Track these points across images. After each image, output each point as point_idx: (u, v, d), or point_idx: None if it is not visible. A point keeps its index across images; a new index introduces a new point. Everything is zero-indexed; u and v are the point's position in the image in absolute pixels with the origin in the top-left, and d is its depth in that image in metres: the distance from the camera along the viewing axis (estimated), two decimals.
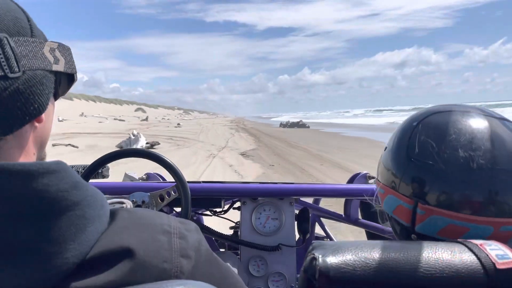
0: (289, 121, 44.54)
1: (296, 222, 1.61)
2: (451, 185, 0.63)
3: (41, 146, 0.59)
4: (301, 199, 1.74)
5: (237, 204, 1.65)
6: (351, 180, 1.84)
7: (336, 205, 2.68)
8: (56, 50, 0.57)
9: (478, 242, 0.56)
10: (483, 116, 0.68)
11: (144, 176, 1.85)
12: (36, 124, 0.55)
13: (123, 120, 50.19)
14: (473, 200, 0.62)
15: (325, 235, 2.01)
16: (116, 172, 1.97)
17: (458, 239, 0.58)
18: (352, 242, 0.58)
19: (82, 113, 55.31)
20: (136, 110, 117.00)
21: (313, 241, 0.59)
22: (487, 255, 0.53)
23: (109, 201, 1.08)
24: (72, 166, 1.58)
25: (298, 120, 43.62)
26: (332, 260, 0.55)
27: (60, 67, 0.57)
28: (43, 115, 0.55)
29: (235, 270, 1.47)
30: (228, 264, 1.43)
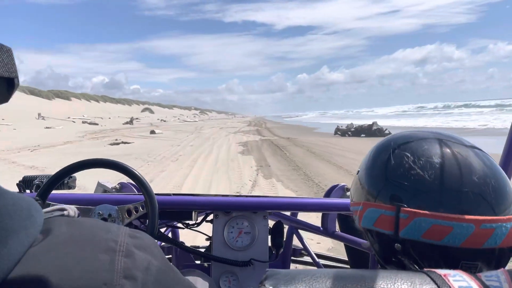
0: (352, 123, 23.04)
1: (270, 236, 1.55)
2: (425, 202, 0.67)
3: None
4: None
5: (211, 217, 1.58)
6: (328, 193, 1.76)
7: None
8: None
9: (442, 272, 0.54)
10: (455, 144, 0.73)
11: (117, 186, 1.74)
12: None
13: (96, 124, 37.63)
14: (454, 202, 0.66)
15: (302, 247, 1.88)
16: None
17: (424, 269, 0.57)
18: (308, 271, 0.56)
19: (39, 114, 44.37)
20: (143, 111, 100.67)
21: (267, 270, 0.57)
22: (450, 287, 0.51)
23: (47, 209, 0.86)
24: (36, 177, 1.50)
25: (370, 123, 21.41)
26: None
27: None
28: None
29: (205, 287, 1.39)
30: (194, 280, 1.34)
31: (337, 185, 1.75)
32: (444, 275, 0.52)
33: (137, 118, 53.29)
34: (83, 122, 39.45)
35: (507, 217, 0.65)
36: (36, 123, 35.47)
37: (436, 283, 0.50)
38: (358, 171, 0.80)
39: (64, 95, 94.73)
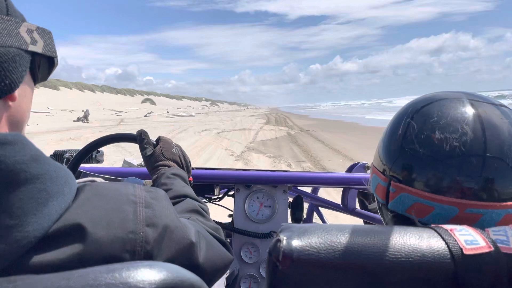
0: None
1: (289, 210, 1.62)
2: (422, 167, 0.66)
3: (16, 127, 0.56)
4: (299, 188, 1.74)
5: (232, 192, 1.69)
6: (349, 170, 1.81)
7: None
8: (34, 31, 0.55)
9: (448, 227, 0.55)
10: (469, 101, 0.68)
11: (142, 163, 1.84)
12: (10, 103, 0.53)
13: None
14: (438, 181, 0.64)
15: None
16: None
17: (432, 225, 0.58)
18: (321, 225, 0.57)
19: None
20: (143, 102, 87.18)
21: (282, 224, 0.64)
22: (456, 240, 0.52)
23: (79, 180, 0.96)
24: (66, 151, 1.54)
25: None
26: (297, 242, 0.53)
27: (37, 48, 0.55)
28: (16, 94, 0.53)
29: None
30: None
31: (358, 163, 1.80)
32: (450, 230, 0.54)
33: (126, 110, 37.67)
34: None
35: (500, 204, 0.60)
36: None
37: (442, 237, 0.52)
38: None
39: (52, 84, 79.52)
